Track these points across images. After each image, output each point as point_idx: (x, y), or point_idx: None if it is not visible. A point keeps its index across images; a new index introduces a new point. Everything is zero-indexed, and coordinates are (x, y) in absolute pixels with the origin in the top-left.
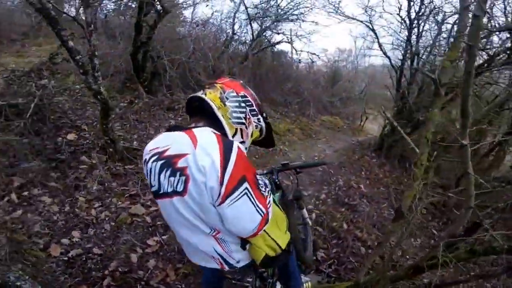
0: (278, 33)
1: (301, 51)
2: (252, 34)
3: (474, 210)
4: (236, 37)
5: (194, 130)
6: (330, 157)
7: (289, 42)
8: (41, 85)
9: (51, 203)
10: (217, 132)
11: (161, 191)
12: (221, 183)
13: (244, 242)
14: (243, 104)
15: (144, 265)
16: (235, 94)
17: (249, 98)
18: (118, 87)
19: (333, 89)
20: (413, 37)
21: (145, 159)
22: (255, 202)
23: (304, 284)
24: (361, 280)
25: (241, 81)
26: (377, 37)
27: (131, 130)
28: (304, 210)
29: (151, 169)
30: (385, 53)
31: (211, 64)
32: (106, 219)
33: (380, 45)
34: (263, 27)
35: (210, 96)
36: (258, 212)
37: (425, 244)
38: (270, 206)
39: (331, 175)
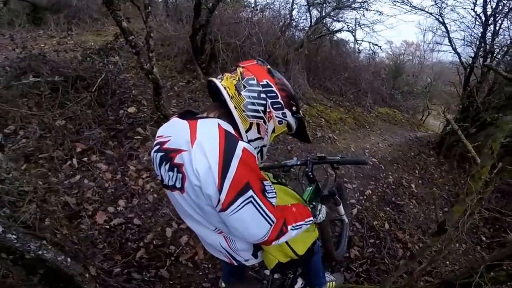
0: (339, 21)
1: (362, 40)
2: (311, 21)
3: None
4: (293, 23)
5: (199, 121)
6: (382, 151)
7: (350, 31)
8: (109, 62)
9: (106, 170)
10: (224, 127)
11: (164, 182)
12: (220, 190)
13: (256, 250)
14: (263, 95)
15: (176, 241)
16: (255, 82)
17: (273, 88)
18: (179, 68)
19: (394, 81)
20: (488, 34)
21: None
22: (263, 210)
23: (328, 284)
24: None
25: (269, 66)
26: (447, 32)
27: (185, 108)
28: (341, 206)
29: (153, 158)
30: (455, 49)
31: (262, 49)
32: (151, 190)
33: (450, 40)
34: (323, 14)
35: (226, 82)
36: (267, 220)
37: (470, 250)
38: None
39: (381, 170)
